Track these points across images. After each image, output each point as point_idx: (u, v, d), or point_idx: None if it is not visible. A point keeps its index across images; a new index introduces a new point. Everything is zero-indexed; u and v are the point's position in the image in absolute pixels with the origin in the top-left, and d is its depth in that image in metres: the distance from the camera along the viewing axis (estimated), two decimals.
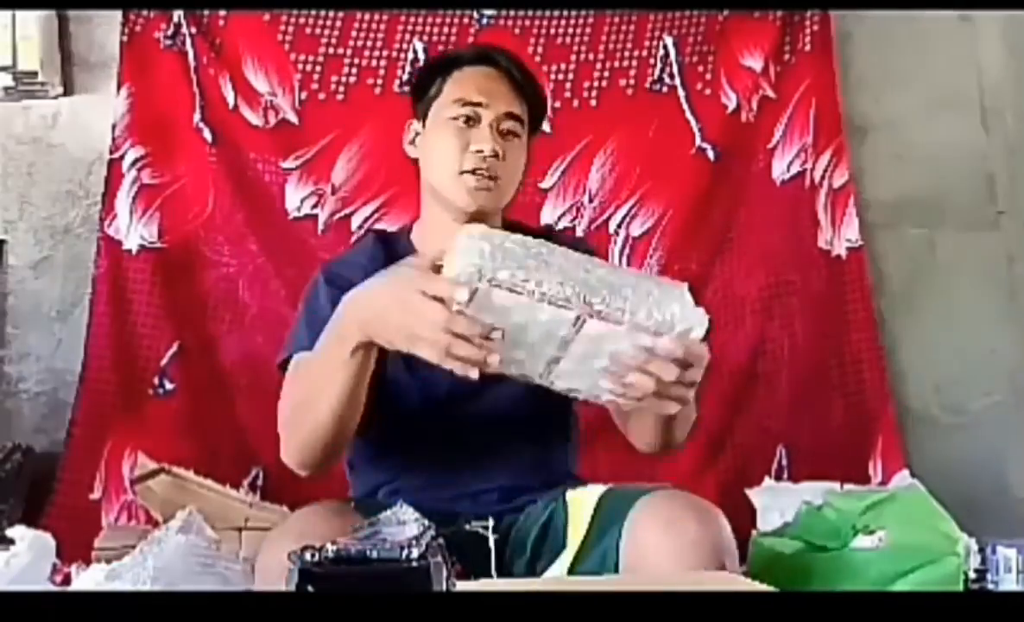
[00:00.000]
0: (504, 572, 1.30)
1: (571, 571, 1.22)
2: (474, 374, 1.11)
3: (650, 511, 1.21)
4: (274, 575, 1.03)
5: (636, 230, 2.52)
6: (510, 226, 1.45)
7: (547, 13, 2.57)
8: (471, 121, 1.44)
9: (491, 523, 1.30)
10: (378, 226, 2.38)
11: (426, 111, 1.50)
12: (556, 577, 1.22)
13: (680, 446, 1.40)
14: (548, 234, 1.50)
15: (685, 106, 2.57)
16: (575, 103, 2.54)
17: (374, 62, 2.51)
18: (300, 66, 2.48)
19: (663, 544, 1.17)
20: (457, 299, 1.08)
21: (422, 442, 1.41)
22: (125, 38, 2.44)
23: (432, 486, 1.38)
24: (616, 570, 1.19)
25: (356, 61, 2.51)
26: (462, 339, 1.09)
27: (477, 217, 1.39)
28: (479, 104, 1.44)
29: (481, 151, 1.41)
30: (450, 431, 1.40)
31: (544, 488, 1.39)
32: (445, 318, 1.09)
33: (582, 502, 1.27)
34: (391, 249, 1.47)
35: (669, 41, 2.59)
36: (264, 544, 1.22)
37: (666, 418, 1.28)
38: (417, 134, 1.51)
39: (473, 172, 1.41)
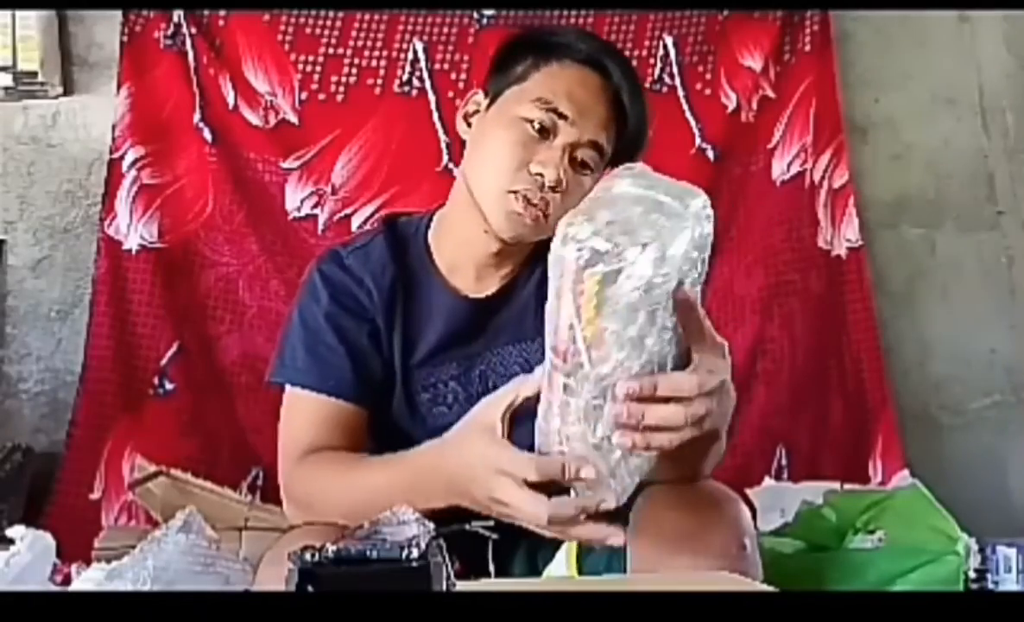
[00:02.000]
0: (505, 569, 1.26)
1: (578, 559, 1.18)
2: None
3: (662, 493, 1.13)
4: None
5: None
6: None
7: (547, 13, 2.56)
8: (544, 132, 1.19)
9: (492, 522, 1.29)
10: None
11: (499, 91, 1.24)
12: (555, 578, 1.22)
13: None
14: None
15: (685, 106, 2.57)
16: None
17: (374, 62, 2.51)
18: (300, 66, 2.48)
19: (679, 523, 1.10)
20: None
21: None
22: (125, 38, 2.43)
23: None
24: (623, 560, 1.13)
25: (356, 61, 2.51)
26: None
27: (510, 242, 1.23)
28: (564, 116, 1.18)
29: (541, 176, 1.18)
30: None
31: None
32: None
33: None
34: (403, 251, 1.30)
35: (669, 41, 2.59)
36: (260, 567, 1.16)
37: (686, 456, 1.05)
38: (477, 111, 1.27)
39: (523, 196, 1.18)
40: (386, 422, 1.28)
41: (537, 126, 1.19)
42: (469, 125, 1.28)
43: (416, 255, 1.31)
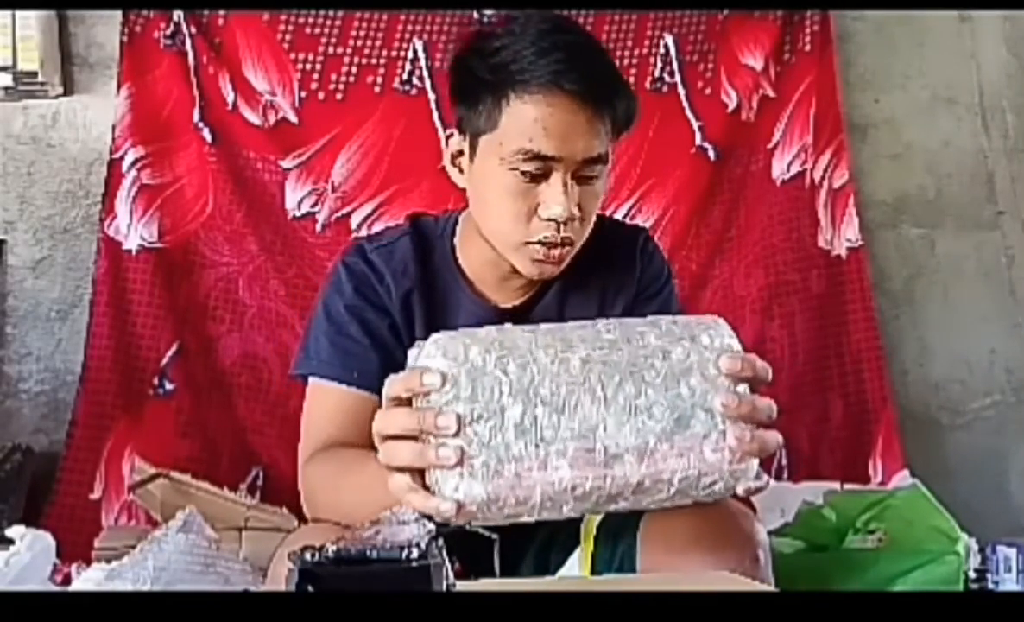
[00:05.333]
0: (514, 571, 1.26)
1: (592, 563, 1.17)
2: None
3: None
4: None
5: None
6: None
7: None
8: (538, 177, 1.15)
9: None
10: (388, 222, 2.33)
11: (474, 133, 1.19)
12: (556, 578, 1.22)
13: None
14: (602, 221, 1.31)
15: (685, 105, 2.57)
16: None
17: (374, 61, 2.51)
18: (300, 65, 2.48)
19: (692, 534, 1.07)
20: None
21: None
22: (125, 38, 2.43)
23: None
24: (633, 560, 1.12)
25: (356, 60, 2.51)
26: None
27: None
28: (551, 158, 1.14)
29: (553, 220, 1.15)
30: None
31: None
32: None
33: None
34: (429, 253, 1.29)
35: (669, 40, 2.59)
36: (272, 565, 1.15)
37: None
38: (461, 156, 1.23)
39: (542, 243, 1.16)
40: None
41: (529, 176, 1.15)
42: (457, 167, 1.25)
43: (442, 257, 1.30)
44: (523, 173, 1.15)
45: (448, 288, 1.30)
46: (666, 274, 1.36)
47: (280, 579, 1.05)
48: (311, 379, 1.27)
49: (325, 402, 1.24)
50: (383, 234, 1.36)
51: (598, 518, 1.20)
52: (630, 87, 1.22)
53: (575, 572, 1.20)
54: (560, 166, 1.14)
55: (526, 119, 1.14)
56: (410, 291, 1.27)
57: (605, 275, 1.32)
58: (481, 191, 1.21)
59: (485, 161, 1.18)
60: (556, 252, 1.17)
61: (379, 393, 1.13)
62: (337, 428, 1.22)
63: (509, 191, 1.16)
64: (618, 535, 1.15)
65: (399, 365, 1.15)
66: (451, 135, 1.25)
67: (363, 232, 2.42)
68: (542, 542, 1.28)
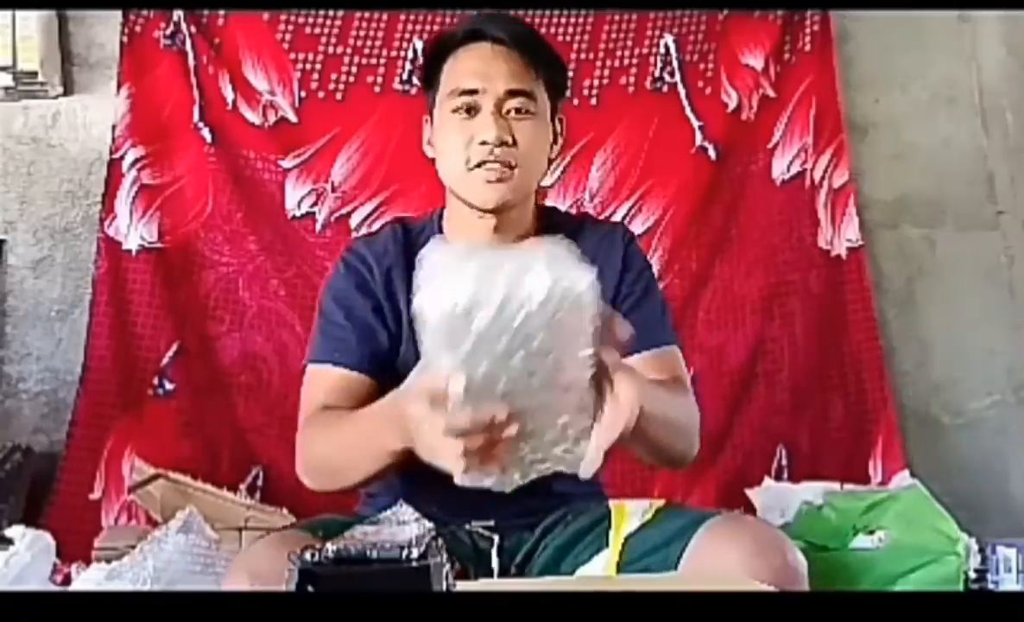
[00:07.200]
0: (510, 569, 1.27)
1: (617, 570, 1.19)
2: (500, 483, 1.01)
3: (720, 536, 1.14)
4: None
5: (637, 229, 2.52)
6: (545, 213, 1.45)
7: (547, 12, 2.56)
8: (472, 111, 1.32)
9: (492, 523, 1.29)
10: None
11: (431, 109, 1.40)
12: (556, 578, 1.22)
13: (685, 458, 1.29)
14: (584, 219, 1.50)
15: (686, 104, 2.57)
16: (575, 102, 2.54)
17: (373, 61, 2.51)
18: (300, 65, 2.48)
19: (733, 561, 1.09)
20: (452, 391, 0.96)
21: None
22: (125, 38, 2.43)
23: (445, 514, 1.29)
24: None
25: (355, 60, 2.51)
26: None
27: (500, 211, 1.33)
28: (474, 91, 1.32)
29: (486, 142, 1.30)
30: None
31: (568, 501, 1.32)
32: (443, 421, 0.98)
33: (630, 512, 1.25)
34: (413, 238, 1.40)
35: (670, 40, 2.58)
36: (230, 573, 1.17)
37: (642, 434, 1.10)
38: (429, 133, 1.41)
39: (482, 165, 1.31)
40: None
41: (464, 110, 1.32)
42: (431, 145, 1.40)
43: (427, 241, 1.32)
44: (458, 111, 1.32)
45: None
46: (647, 273, 1.41)
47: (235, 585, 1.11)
48: (307, 367, 1.38)
49: (313, 381, 1.36)
50: (377, 233, 1.47)
51: (629, 526, 1.22)
52: (553, 48, 1.39)
53: (598, 573, 1.21)
54: (486, 98, 1.31)
55: (456, 68, 1.35)
56: (390, 269, 1.37)
57: None
58: (439, 143, 1.37)
59: (438, 118, 1.36)
60: (496, 172, 1.30)
61: (359, 369, 1.33)
62: (327, 399, 1.32)
63: (451, 130, 1.33)
64: (662, 544, 1.18)
65: (380, 344, 1.33)
66: (425, 120, 1.41)
67: (363, 232, 2.41)
68: (565, 540, 1.28)
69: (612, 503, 1.30)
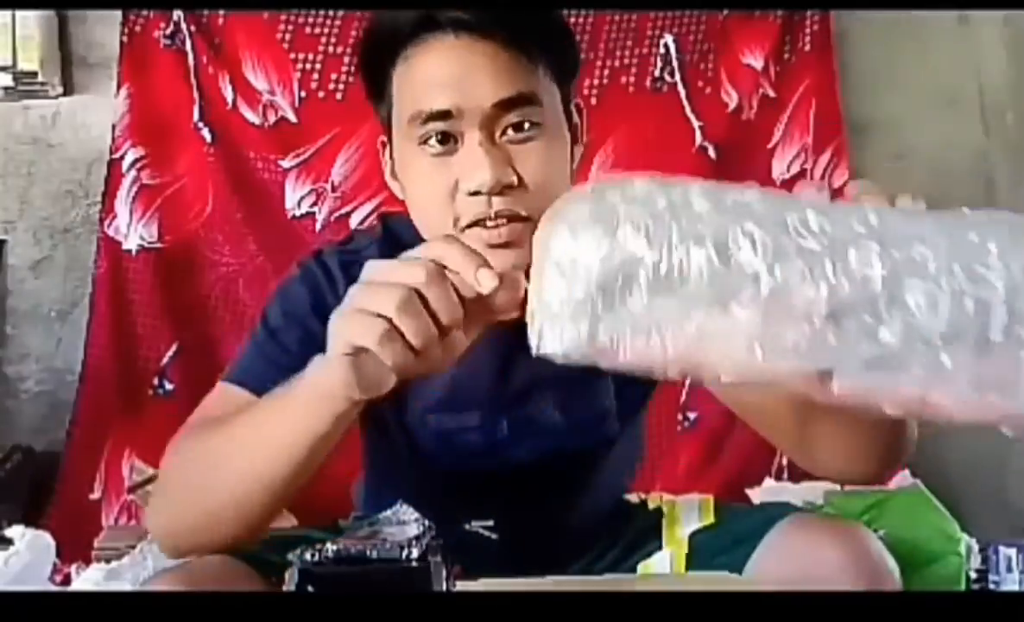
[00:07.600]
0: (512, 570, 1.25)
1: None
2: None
3: (801, 527, 1.02)
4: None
5: None
6: None
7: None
8: (448, 140, 0.92)
9: (491, 522, 1.29)
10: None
11: (388, 136, 1.01)
12: (556, 578, 1.22)
13: (885, 473, 1.09)
14: None
15: (686, 104, 2.57)
16: (576, 102, 2.54)
17: None
18: (299, 65, 2.48)
19: (808, 561, 0.99)
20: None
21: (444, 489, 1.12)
22: (125, 38, 2.43)
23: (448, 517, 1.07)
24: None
25: (356, 60, 2.50)
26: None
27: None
28: (447, 115, 0.90)
29: (479, 193, 0.90)
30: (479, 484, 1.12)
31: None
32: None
33: (681, 508, 1.21)
34: (397, 238, 1.09)
35: (669, 40, 2.58)
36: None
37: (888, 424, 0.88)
38: (391, 165, 1.03)
39: (479, 224, 0.91)
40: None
41: (435, 141, 0.92)
42: (396, 179, 1.05)
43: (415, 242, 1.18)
44: (428, 143, 0.92)
45: None
46: None
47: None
48: (220, 383, 1.06)
49: (220, 400, 1.03)
50: (352, 239, 1.18)
51: (687, 527, 1.16)
52: (549, 13, 0.99)
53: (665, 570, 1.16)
54: (466, 122, 0.90)
55: (407, 80, 0.93)
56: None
57: None
58: (407, 189, 0.99)
59: (398, 152, 0.98)
60: (502, 234, 0.90)
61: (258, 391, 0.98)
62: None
63: (422, 172, 0.93)
64: (730, 544, 1.06)
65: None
66: (381, 141, 1.05)
67: None
68: (626, 544, 1.19)
69: (663, 498, 1.23)
